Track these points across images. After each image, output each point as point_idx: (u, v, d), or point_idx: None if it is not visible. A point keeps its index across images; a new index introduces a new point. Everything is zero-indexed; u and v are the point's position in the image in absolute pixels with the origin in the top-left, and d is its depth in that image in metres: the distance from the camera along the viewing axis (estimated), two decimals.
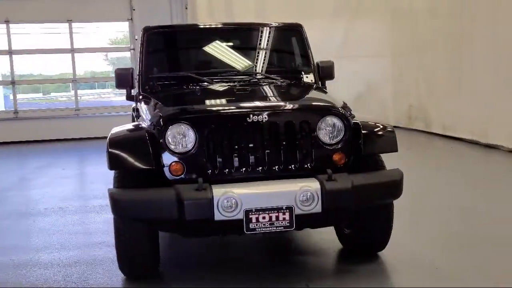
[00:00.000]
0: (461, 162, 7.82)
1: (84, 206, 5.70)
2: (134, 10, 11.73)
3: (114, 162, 3.21)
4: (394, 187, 3.34)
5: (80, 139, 11.63)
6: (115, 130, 3.61)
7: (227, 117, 3.33)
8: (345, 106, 3.55)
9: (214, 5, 11.32)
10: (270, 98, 3.97)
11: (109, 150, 3.22)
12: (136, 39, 11.72)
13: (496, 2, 8.20)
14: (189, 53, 4.84)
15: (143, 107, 4.13)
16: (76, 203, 5.89)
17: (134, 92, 4.81)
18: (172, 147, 3.23)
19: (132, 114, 6.29)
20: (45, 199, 6.05)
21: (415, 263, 3.69)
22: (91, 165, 8.71)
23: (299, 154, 3.30)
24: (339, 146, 3.37)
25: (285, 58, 4.87)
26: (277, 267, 3.67)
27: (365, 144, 3.42)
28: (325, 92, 4.21)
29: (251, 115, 3.27)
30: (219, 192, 3.04)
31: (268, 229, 3.09)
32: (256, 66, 4.61)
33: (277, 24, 4.81)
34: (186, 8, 11.61)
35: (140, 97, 4.39)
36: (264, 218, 3.08)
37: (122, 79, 4.58)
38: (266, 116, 3.28)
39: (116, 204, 3.10)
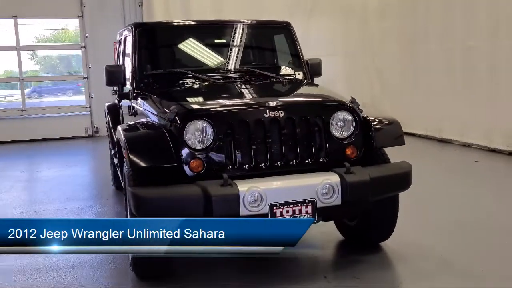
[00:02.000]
0: (420, 155, 8.15)
1: (63, 209, 5.46)
2: (84, 6, 11.33)
3: (135, 161, 3.13)
4: (406, 178, 3.50)
5: (28, 140, 11.06)
6: (125, 128, 3.54)
7: (245, 113, 3.35)
8: (353, 101, 3.67)
9: (170, 3, 11.15)
10: (280, 94, 4.02)
11: (129, 149, 3.16)
12: (87, 37, 11.34)
13: (448, 1, 8.65)
14: (181, 50, 4.77)
15: (142, 104, 4.07)
16: (52, 206, 5.63)
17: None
18: (190, 143, 3.22)
19: (106, 114, 6.15)
20: (17, 203, 5.75)
21: (419, 251, 3.87)
22: (50, 168, 8.31)
23: (314, 148, 3.39)
24: (351, 140, 3.49)
25: (275, 55, 4.93)
26: (289, 262, 3.70)
27: (375, 138, 3.56)
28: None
29: (268, 111, 3.32)
30: (244, 187, 3.07)
31: None
32: (248, 63, 4.63)
33: (267, 22, 4.89)
34: (140, 6, 11.37)
35: (135, 94, 4.30)
36: (288, 211, 3.15)
37: (113, 76, 4.46)
38: (282, 112, 3.34)
39: (140, 202, 3.04)
